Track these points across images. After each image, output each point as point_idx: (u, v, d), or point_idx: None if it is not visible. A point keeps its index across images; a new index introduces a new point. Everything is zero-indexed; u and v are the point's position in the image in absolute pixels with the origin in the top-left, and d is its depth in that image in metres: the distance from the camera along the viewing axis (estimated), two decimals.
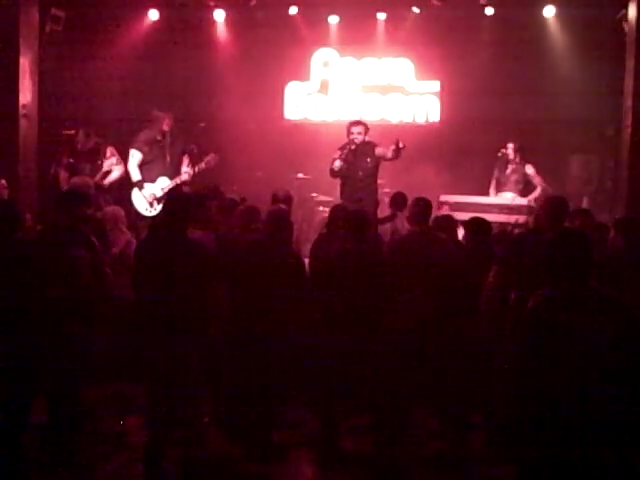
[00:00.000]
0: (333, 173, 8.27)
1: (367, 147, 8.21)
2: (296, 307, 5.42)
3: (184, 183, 8.72)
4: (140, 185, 8.69)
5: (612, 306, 3.51)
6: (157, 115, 8.90)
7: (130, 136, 8.98)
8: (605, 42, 9.36)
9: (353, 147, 8.12)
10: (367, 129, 8.28)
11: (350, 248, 5.49)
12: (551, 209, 5.05)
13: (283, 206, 6.35)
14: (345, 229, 5.71)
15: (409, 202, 6.16)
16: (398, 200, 7.42)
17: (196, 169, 8.82)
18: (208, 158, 8.85)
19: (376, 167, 8.21)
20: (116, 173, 8.71)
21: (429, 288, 5.27)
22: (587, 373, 3.38)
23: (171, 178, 8.70)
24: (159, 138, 8.83)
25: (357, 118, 8.89)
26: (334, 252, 5.62)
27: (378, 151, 8.16)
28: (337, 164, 8.15)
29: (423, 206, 5.62)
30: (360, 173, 8.14)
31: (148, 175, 8.76)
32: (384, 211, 7.89)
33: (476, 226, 5.85)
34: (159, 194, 8.60)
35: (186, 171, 8.79)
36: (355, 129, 8.23)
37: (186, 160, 8.89)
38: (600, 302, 3.50)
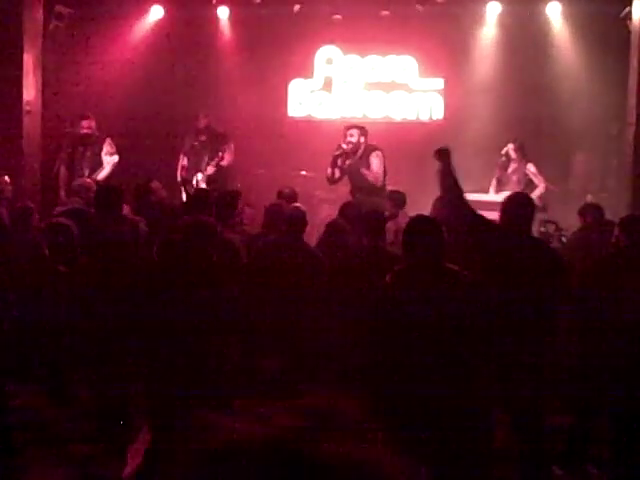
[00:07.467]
0: (328, 180, 8.26)
1: (367, 153, 8.06)
2: (319, 305, 5.44)
3: (209, 181, 8.77)
4: (183, 183, 9.00)
5: (457, 278, 3.89)
6: (196, 114, 9.15)
7: (133, 133, 9.07)
8: (609, 40, 9.34)
9: (338, 152, 8.02)
10: (364, 132, 8.15)
11: (366, 245, 5.57)
12: None
13: (300, 205, 6.35)
14: (362, 227, 5.78)
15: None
16: (397, 198, 7.37)
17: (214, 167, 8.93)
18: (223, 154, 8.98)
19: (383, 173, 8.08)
20: (108, 169, 8.68)
21: None
22: (438, 340, 3.77)
23: None
24: (202, 138, 9.06)
25: (360, 115, 8.83)
26: (350, 247, 5.65)
27: (373, 162, 7.96)
28: (328, 171, 8.11)
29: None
30: (367, 183, 7.96)
31: (188, 174, 9.06)
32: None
33: None
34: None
35: (207, 170, 8.90)
36: (348, 132, 8.11)
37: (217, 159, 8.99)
38: (447, 276, 3.88)
